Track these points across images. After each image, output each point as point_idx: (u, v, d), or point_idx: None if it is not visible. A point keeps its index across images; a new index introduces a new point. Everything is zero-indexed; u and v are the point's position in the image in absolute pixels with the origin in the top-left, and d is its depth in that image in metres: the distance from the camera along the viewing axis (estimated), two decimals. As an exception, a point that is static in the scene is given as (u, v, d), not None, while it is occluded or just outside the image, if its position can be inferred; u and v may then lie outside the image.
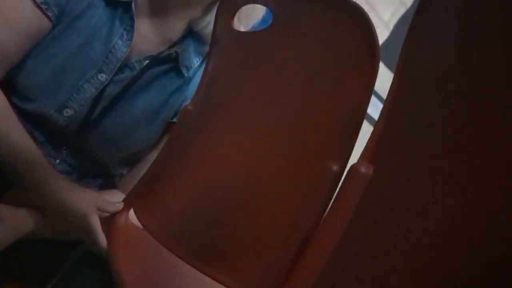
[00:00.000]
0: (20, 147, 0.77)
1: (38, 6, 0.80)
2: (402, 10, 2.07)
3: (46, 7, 0.81)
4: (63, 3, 0.83)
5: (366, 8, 0.55)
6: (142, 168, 0.91)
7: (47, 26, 0.83)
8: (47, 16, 0.82)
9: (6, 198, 0.78)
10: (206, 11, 0.94)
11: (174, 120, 0.97)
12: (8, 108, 0.78)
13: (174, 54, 0.93)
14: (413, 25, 0.44)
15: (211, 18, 0.92)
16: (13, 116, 0.78)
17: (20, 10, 0.80)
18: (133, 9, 0.88)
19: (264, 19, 0.79)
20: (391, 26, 2.03)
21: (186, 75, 0.96)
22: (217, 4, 0.75)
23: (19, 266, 0.83)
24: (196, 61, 0.97)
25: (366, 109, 0.52)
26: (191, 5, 0.92)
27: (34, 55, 0.83)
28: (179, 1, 0.90)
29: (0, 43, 0.78)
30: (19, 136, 0.77)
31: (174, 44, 0.95)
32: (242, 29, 0.74)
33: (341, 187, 0.47)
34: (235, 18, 0.71)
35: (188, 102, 0.92)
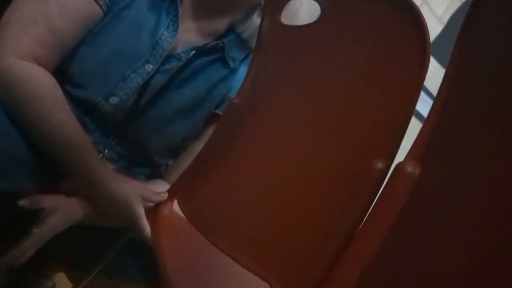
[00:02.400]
0: (72, 135, 0.79)
1: None
2: (457, 4, 2.00)
3: None
4: None
5: (418, 2, 0.53)
6: (186, 160, 0.93)
7: (99, 15, 0.86)
8: (99, 5, 0.85)
9: (61, 188, 0.81)
10: (248, 14, 0.95)
11: (217, 111, 0.98)
12: (62, 97, 0.81)
13: (221, 44, 0.95)
14: (466, 23, 0.42)
15: (250, 23, 0.95)
16: (67, 105, 0.81)
17: None
18: (179, 1, 0.90)
19: (312, 14, 0.79)
20: (445, 21, 1.97)
21: (232, 66, 0.96)
22: (258, 9, 0.76)
23: (67, 251, 0.86)
24: (241, 54, 0.98)
25: (414, 106, 0.50)
26: (234, 5, 0.93)
27: (86, 43, 0.86)
28: (222, 0, 0.91)
29: (58, 30, 0.82)
30: (72, 126, 0.80)
31: (219, 37, 0.96)
32: (290, 23, 0.73)
33: (385, 186, 0.46)
34: (283, 12, 0.71)
35: (232, 93, 0.92)
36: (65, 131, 0.79)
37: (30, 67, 0.80)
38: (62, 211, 0.77)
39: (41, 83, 0.80)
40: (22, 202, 0.74)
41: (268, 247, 0.57)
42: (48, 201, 0.77)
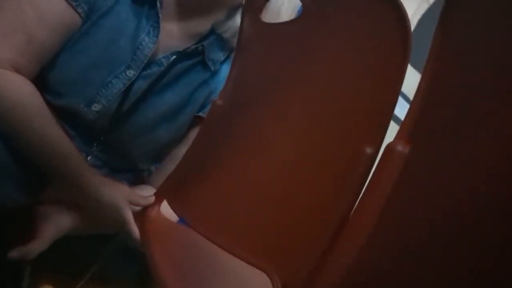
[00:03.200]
0: (55, 141, 0.79)
1: (69, 3, 0.83)
2: (425, 6, 2.06)
3: (77, 3, 0.84)
4: (92, 0, 0.85)
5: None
6: (171, 163, 0.93)
7: (78, 22, 0.86)
8: (78, 13, 0.85)
9: (47, 196, 0.80)
10: (230, 15, 0.95)
11: (200, 114, 0.99)
12: (43, 104, 0.80)
13: (201, 47, 0.95)
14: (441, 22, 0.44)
15: (232, 23, 0.94)
16: (48, 112, 0.80)
17: (53, 7, 0.82)
18: (159, 6, 0.90)
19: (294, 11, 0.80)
20: (414, 22, 2.02)
21: (212, 68, 0.97)
22: (240, 10, 0.76)
23: (56, 260, 0.85)
24: (221, 55, 0.99)
25: (399, 92, 0.52)
26: (215, 6, 0.93)
27: (65, 51, 0.86)
28: (203, 2, 0.91)
29: (36, 38, 0.81)
30: (54, 132, 0.79)
31: (200, 40, 0.96)
32: (272, 21, 0.75)
33: (377, 165, 0.47)
34: (264, 11, 0.72)
35: (214, 95, 0.93)
36: (49, 138, 0.78)
37: (9, 76, 0.79)
38: (53, 219, 0.77)
39: (21, 91, 0.80)
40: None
41: (265, 238, 0.58)
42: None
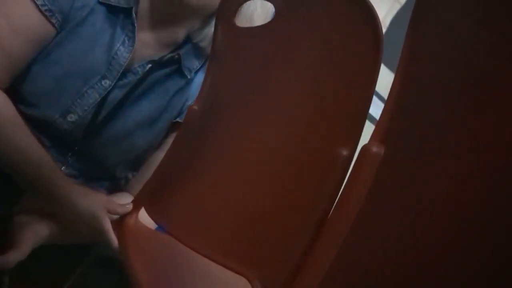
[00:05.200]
0: (28, 151, 0.78)
1: (43, 13, 0.82)
2: (397, 7, 2.09)
3: (51, 14, 0.83)
4: (66, 10, 0.84)
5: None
6: (148, 170, 0.92)
7: (51, 33, 0.85)
8: (52, 23, 0.84)
9: (22, 205, 0.79)
10: (205, 23, 0.95)
11: (178, 119, 0.98)
12: (15, 114, 0.79)
13: (177, 56, 0.95)
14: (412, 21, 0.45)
15: (208, 31, 0.94)
16: (21, 121, 0.79)
17: (26, 17, 0.81)
18: (134, 15, 0.89)
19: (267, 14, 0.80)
20: (387, 23, 2.05)
21: (188, 76, 0.97)
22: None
23: (35, 269, 0.84)
24: (198, 63, 0.98)
25: (373, 94, 0.52)
26: (190, 15, 0.93)
27: (38, 62, 0.85)
28: (178, 10, 0.90)
29: (8, 50, 0.80)
30: (27, 141, 0.78)
31: (175, 49, 0.96)
32: (245, 25, 0.75)
33: (353, 167, 0.48)
34: (237, 16, 0.72)
35: (190, 102, 0.93)
36: (22, 148, 0.77)
37: None
38: (30, 229, 0.76)
39: None
40: None
41: (243, 242, 0.58)
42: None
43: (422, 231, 0.43)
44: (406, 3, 2.06)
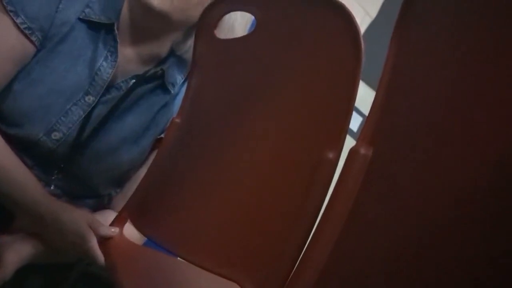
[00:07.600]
0: (11, 169, 0.77)
1: (22, 31, 0.81)
2: (368, 20, 2.14)
3: (30, 32, 0.81)
4: (46, 28, 0.83)
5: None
6: (132, 187, 0.91)
7: (31, 51, 0.84)
8: (31, 41, 0.82)
9: (14, 228, 0.78)
10: (188, 35, 0.95)
11: (162, 135, 0.98)
12: None
13: (160, 71, 0.94)
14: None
15: (192, 42, 0.94)
16: (1, 140, 0.78)
17: (5, 36, 0.80)
18: (116, 30, 0.88)
19: (247, 25, 0.82)
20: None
21: (172, 91, 0.97)
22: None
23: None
24: (180, 78, 0.99)
25: (355, 97, 0.53)
26: (172, 28, 0.92)
27: (20, 80, 0.84)
28: (160, 24, 0.90)
29: None
30: (9, 159, 0.77)
31: (159, 63, 0.96)
32: (226, 37, 0.76)
33: (342, 170, 0.48)
34: (218, 27, 0.73)
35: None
36: (4, 167, 0.76)
37: None
38: (14, 248, 0.74)
39: None
40: None
41: (234, 248, 0.58)
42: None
43: (413, 230, 0.44)
44: (377, 17, 2.11)
